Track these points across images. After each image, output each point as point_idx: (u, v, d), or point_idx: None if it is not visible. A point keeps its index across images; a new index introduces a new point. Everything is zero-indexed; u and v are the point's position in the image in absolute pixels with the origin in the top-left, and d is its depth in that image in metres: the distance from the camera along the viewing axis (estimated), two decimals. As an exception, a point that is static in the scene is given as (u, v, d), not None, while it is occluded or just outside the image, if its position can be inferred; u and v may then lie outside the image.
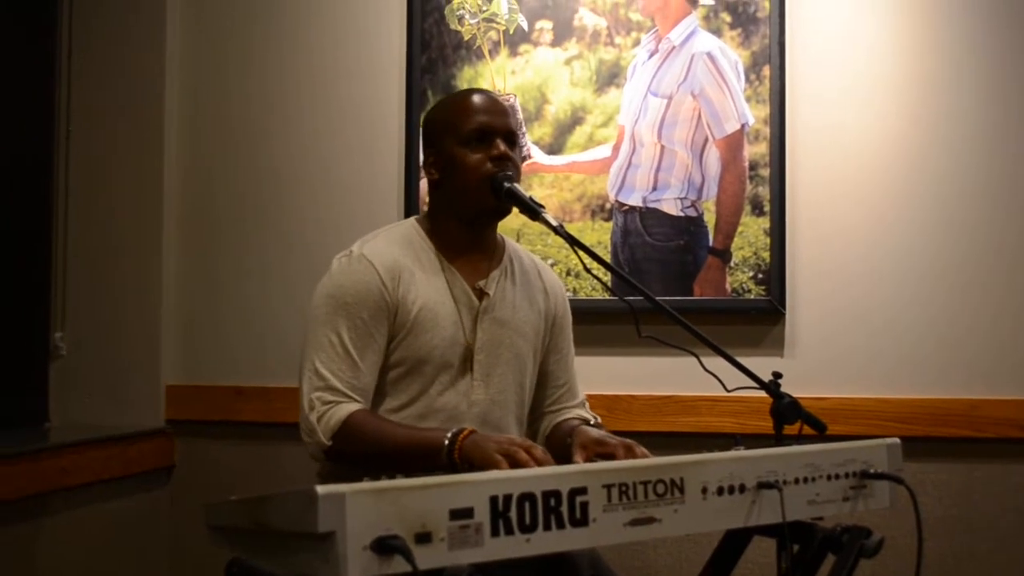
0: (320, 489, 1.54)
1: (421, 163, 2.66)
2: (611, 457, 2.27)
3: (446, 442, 2.25)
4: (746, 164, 3.41)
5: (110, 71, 3.80)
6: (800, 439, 2.18)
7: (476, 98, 2.58)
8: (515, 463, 2.09)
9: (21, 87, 3.67)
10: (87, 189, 3.80)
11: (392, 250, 2.53)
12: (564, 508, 1.74)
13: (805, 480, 2.03)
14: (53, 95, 3.80)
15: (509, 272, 2.65)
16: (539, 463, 2.10)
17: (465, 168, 2.51)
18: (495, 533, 1.67)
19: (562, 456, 2.39)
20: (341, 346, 2.43)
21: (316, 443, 2.39)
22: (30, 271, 3.70)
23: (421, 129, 2.66)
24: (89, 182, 3.80)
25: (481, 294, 2.57)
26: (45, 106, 3.77)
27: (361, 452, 2.35)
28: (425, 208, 3.47)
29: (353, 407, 2.39)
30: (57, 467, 3.23)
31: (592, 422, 2.65)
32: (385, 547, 1.55)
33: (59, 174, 3.80)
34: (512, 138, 2.55)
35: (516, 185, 2.48)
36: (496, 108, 2.57)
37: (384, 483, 1.62)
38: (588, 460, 2.30)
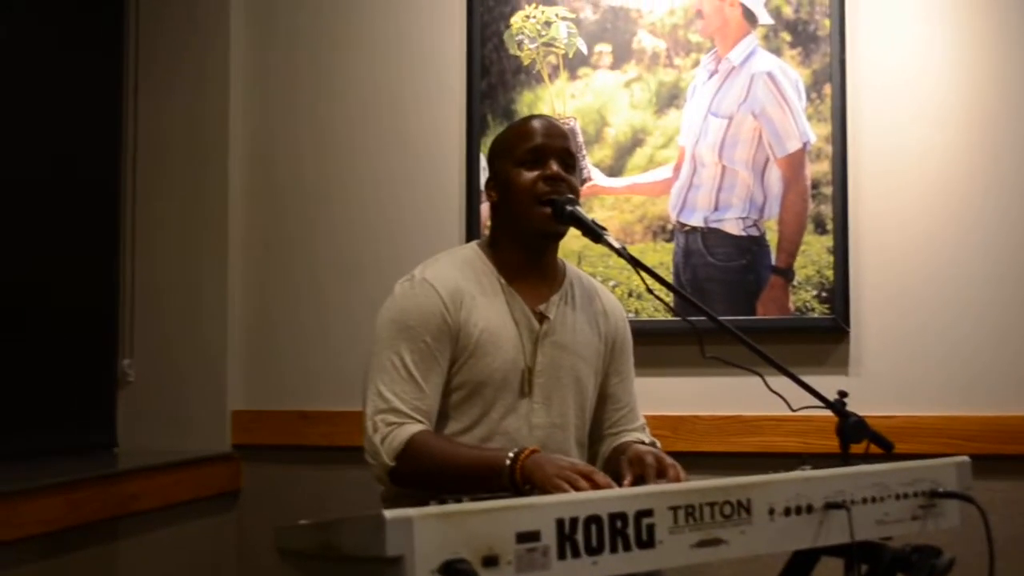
0: (388, 513, 1.54)
1: (483, 187, 2.67)
2: (642, 477, 2.29)
3: (508, 462, 2.26)
4: (808, 183, 3.39)
5: (175, 99, 3.86)
6: (867, 458, 2.17)
7: (534, 122, 2.61)
8: (575, 490, 2.10)
9: (88, 113, 3.73)
10: (153, 216, 3.85)
11: (454, 274, 2.55)
12: (631, 530, 1.73)
13: (873, 500, 2.01)
14: (120, 121, 3.86)
15: (569, 295, 2.65)
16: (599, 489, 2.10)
17: (518, 188, 2.53)
18: (562, 556, 1.66)
19: (620, 480, 2.39)
20: (404, 368, 2.45)
21: (380, 464, 2.40)
22: (98, 299, 3.75)
23: (488, 154, 2.68)
24: (155, 210, 3.85)
25: (542, 318, 2.57)
26: (112, 132, 3.84)
27: (424, 473, 2.36)
28: (487, 232, 3.49)
29: (416, 428, 2.41)
30: (126, 492, 3.26)
31: (654, 444, 2.65)
32: (453, 571, 1.55)
33: (125, 202, 3.85)
34: (568, 160, 2.56)
35: (578, 208, 2.49)
36: (552, 131, 2.58)
37: (451, 507, 1.62)
38: (631, 480, 2.32)
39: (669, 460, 2.33)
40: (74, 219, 3.63)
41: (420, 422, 2.43)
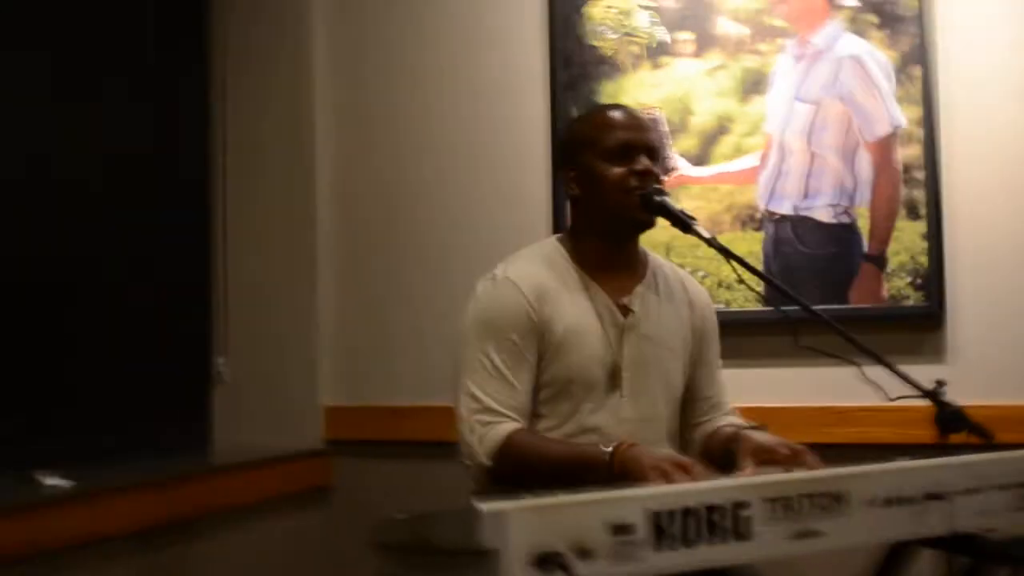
0: (484, 506, 1.54)
1: (563, 180, 2.65)
2: (776, 464, 2.25)
3: (606, 456, 2.24)
4: (899, 167, 3.34)
5: (264, 100, 3.93)
6: (967, 448, 2.13)
7: (617, 113, 2.58)
8: (669, 482, 2.08)
9: (182, 113, 3.80)
10: (244, 216, 3.91)
11: (535, 270, 2.54)
12: (726, 522, 1.72)
13: (973, 491, 1.98)
14: (212, 122, 3.92)
15: (653, 286, 2.63)
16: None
17: (608, 183, 2.50)
18: (657, 548, 1.65)
19: (722, 463, 2.37)
20: (494, 367, 2.44)
21: (477, 464, 2.40)
22: (192, 298, 3.81)
23: (560, 147, 2.65)
24: (247, 209, 3.91)
25: (626, 311, 2.56)
26: (204, 132, 3.90)
27: (521, 470, 2.35)
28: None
29: (512, 426, 2.40)
30: (219, 489, 3.31)
31: (748, 427, 2.62)
32: (547, 563, 1.55)
33: (217, 201, 3.91)
34: (654, 153, 2.54)
35: (667, 198, 2.47)
36: (638, 123, 2.56)
37: (545, 499, 1.62)
38: (758, 466, 2.27)
39: (802, 447, 2.29)
40: (169, 218, 3.69)
41: (515, 420, 2.43)
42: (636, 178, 2.49)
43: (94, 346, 3.38)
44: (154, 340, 3.60)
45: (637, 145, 2.51)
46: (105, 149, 3.42)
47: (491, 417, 2.41)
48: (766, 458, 2.29)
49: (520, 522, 1.55)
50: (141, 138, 3.58)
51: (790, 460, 2.25)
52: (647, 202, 2.47)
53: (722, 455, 2.42)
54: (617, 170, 2.49)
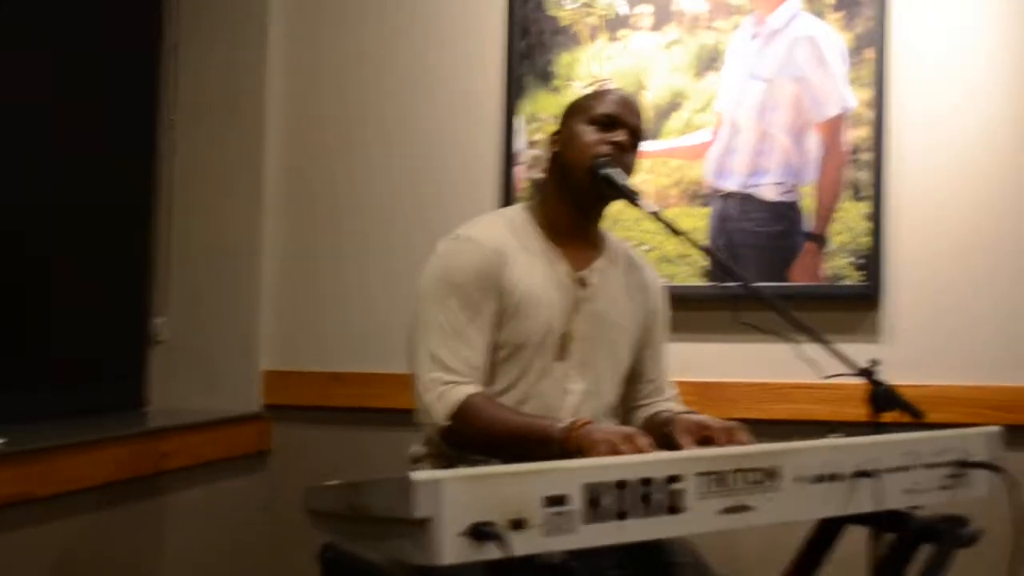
0: (416, 475, 1.54)
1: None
2: (712, 441, 2.27)
3: (561, 433, 2.24)
4: (846, 148, 3.36)
5: (213, 59, 3.87)
6: (898, 427, 2.16)
7: (617, 92, 2.64)
8: (616, 454, 2.09)
9: (127, 77, 3.73)
10: (189, 177, 3.86)
11: (498, 232, 2.54)
12: (659, 496, 1.73)
13: (902, 468, 2.01)
14: (158, 85, 3.87)
15: (611, 264, 2.65)
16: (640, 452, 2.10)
17: (581, 143, 2.53)
18: (589, 520, 1.66)
19: (661, 446, 2.39)
20: (455, 326, 2.44)
21: (433, 424, 2.39)
22: (132, 258, 3.76)
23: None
24: (191, 170, 3.86)
25: (583, 283, 2.57)
26: (150, 96, 3.84)
27: (476, 435, 2.35)
28: (523, 196, 3.49)
29: (471, 389, 2.40)
30: (157, 451, 3.29)
31: (685, 412, 2.64)
32: (480, 533, 1.55)
33: (162, 162, 3.86)
34: (635, 138, 2.58)
35: (612, 171, 2.48)
36: (632, 106, 2.61)
37: (479, 470, 1.63)
38: (695, 444, 2.30)
39: (735, 424, 2.31)
40: (109, 175, 3.63)
41: (473, 380, 2.43)
42: (609, 147, 2.52)
43: (30, 305, 3.33)
44: (91, 299, 3.55)
45: (623, 122, 2.56)
46: (44, 101, 3.36)
47: (450, 376, 2.40)
48: (702, 434, 2.32)
49: (454, 492, 1.56)
50: (83, 90, 3.52)
51: (724, 436, 2.27)
52: (593, 172, 2.48)
53: (660, 438, 2.44)
54: (595, 135, 2.53)
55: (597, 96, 2.61)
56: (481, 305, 2.46)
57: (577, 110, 2.60)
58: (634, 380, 2.72)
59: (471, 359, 2.44)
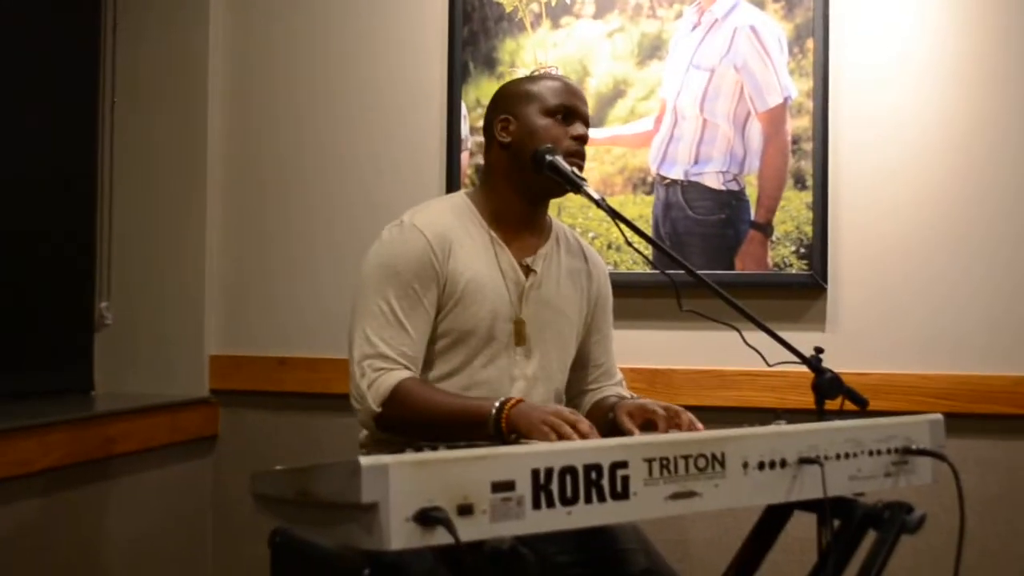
0: (364, 460, 1.54)
1: (486, 126, 2.65)
2: (654, 424, 2.29)
3: (493, 411, 2.27)
4: (789, 138, 3.38)
5: (155, 42, 3.83)
6: (842, 414, 2.18)
7: (566, 81, 2.63)
8: (560, 436, 2.11)
9: (66, 60, 3.69)
10: (132, 160, 3.83)
11: (443, 220, 2.55)
12: (605, 481, 1.74)
13: (847, 456, 2.02)
14: (98, 67, 3.83)
15: (556, 251, 2.67)
16: (583, 437, 2.12)
17: (548, 137, 2.53)
18: (536, 506, 1.67)
19: (606, 431, 2.41)
20: (392, 314, 2.45)
21: (366, 409, 2.41)
22: (75, 242, 3.73)
23: (496, 97, 2.65)
24: (134, 153, 3.83)
25: (528, 271, 2.58)
26: (90, 77, 3.80)
27: (410, 419, 2.37)
28: (468, 182, 3.49)
29: (404, 374, 2.41)
30: (103, 436, 3.27)
31: (630, 398, 2.66)
32: (428, 519, 1.55)
33: (104, 145, 3.83)
34: (587, 124, 2.60)
35: (558, 158, 2.48)
36: (582, 96, 2.63)
37: (427, 455, 1.62)
38: (638, 426, 2.33)
39: (679, 408, 2.34)
40: (50, 157, 3.60)
41: (407, 368, 2.44)
42: (574, 141, 2.54)
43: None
44: (35, 282, 3.52)
45: (578, 113, 2.57)
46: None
47: (384, 363, 2.42)
48: (645, 418, 2.33)
49: (401, 477, 1.55)
50: (20, 72, 3.47)
51: (667, 420, 2.29)
52: (538, 161, 2.48)
53: (605, 424, 2.46)
54: (558, 129, 2.53)
55: (547, 86, 2.59)
56: (420, 294, 2.47)
57: (526, 98, 2.58)
58: (582, 365, 2.74)
59: (406, 348, 2.45)
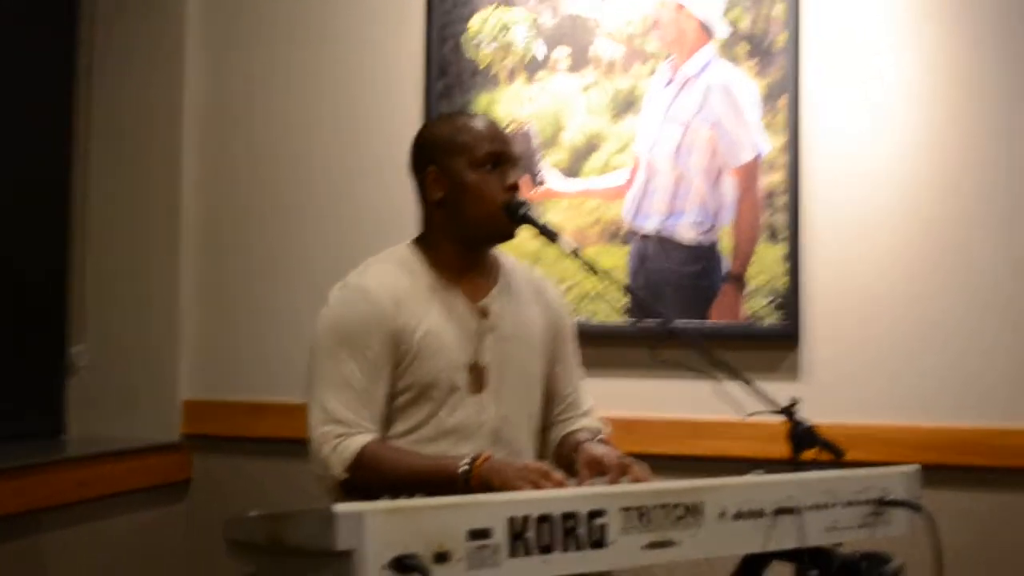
0: (339, 507, 1.54)
1: (413, 170, 2.61)
2: (605, 476, 2.29)
3: (460, 471, 2.25)
4: (761, 192, 3.41)
5: (128, 85, 3.86)
6: (818, 465, 2.18)
7: (485, 123, 2.57)
8: (535, 489, 2.10)
9: (41, 98, 3.70)
10: (106, 201, 3.85)
11: (391, 277, 2.51)
12: (583, 530, 1.74)
13: (823, 506, 2.03)
14: (72, 108, 3.83)
15: (508, 287, 2.63)
16: (558, 487, 2.11)
17: (481, 194, 2.49)
18: (513, 554, 1.67)
19: (569, 471, 2.41)
20: (347, 378, 2.41)
21: (330, 477, 2.37)
22: (48, 285, 3.72)
23: (419, 147, 2.61)
24: (108, 194, 3.85)
25: (484, 312, 2.56)
26: (64, 118, 3.81)
27: (377, 483, 2.31)
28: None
29: (367, 437, 2.38)
30: (74, 479, 3.25)
31: (600, 431, 2.65)
32: (403, 567, 1.55)
33: (77, 189, 3.84)
34: (518, 166, 2.59)
35: (531, 210, 2.48)
36: (505, 136, 2.58)
37: (402, 502, 1.62)
38: (591, 478, 2.31)
39: (630, 460, 2.32)
40: (24, 202, 3.60)
41: (369, 431, 2.41)
42: (508, 191, 2.50)
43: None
44: (8, 325, 3.51)
45: (507, 158, 2.53)
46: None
47: (344, 428, 2.38)
48: (598, 469, 2.33)
49: (376, 524, 1.55)
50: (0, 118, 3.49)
51: (618, 471, 2.28)
52: (512, 213, 2.47)
53: (567, 465, 2.46)
54: (489, 181, 2.49)
55: (470, 134, 2.53)
56: (375, 356, 2.44)
57: (453, 150, 2.52)
58: (550, 399, 2.70)
59: (366, 409, 2.42)
